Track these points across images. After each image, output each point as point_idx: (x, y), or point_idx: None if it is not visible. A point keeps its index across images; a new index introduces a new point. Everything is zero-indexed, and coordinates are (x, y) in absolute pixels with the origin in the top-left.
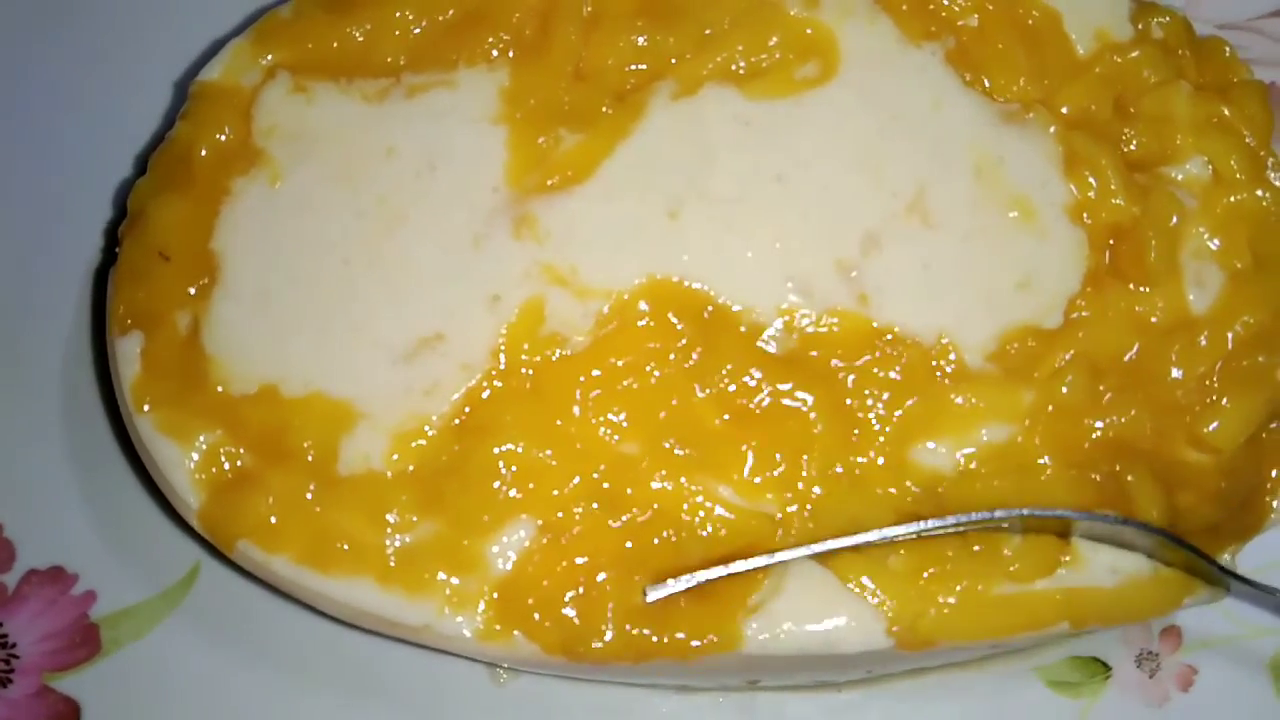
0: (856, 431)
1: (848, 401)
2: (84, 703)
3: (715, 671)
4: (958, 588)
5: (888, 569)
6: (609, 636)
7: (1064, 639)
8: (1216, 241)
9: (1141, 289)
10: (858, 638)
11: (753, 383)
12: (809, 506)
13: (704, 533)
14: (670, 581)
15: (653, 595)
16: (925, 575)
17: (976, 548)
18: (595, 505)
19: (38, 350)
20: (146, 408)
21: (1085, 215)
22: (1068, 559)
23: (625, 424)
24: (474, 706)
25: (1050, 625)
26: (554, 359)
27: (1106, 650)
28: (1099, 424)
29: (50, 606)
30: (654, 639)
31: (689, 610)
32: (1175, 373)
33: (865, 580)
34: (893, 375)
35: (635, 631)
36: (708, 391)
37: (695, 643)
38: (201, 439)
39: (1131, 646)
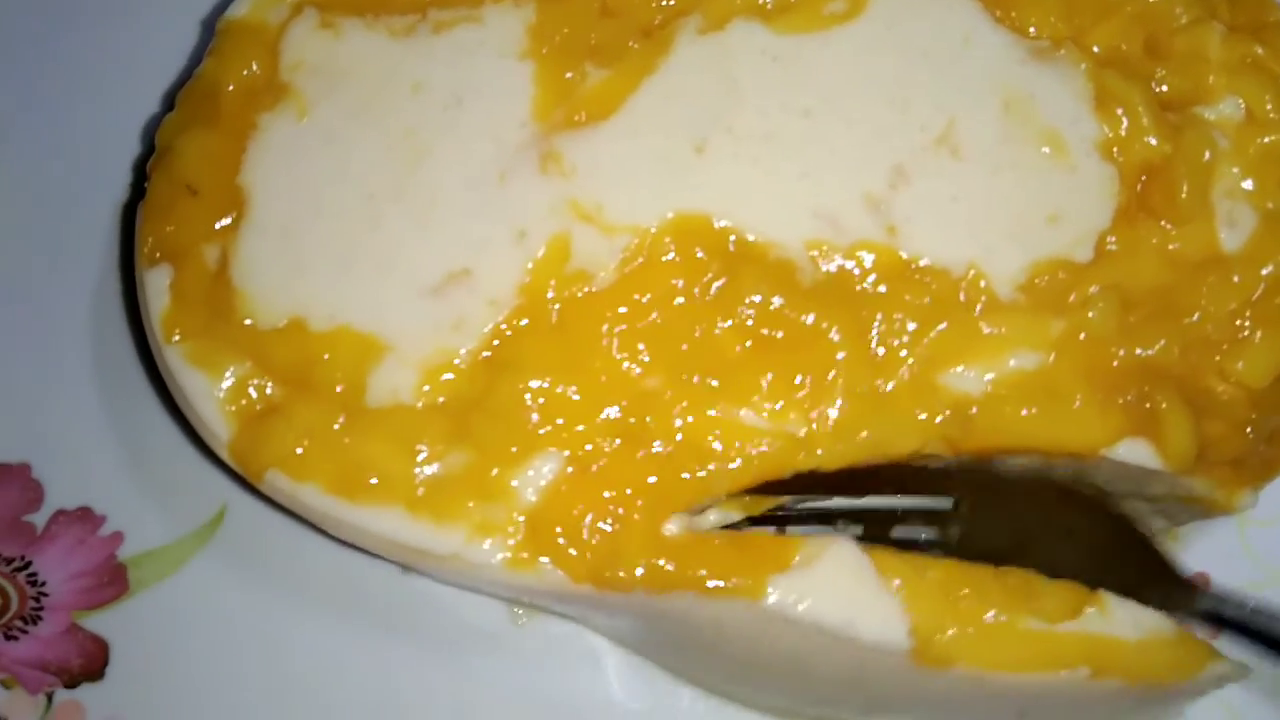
0: (882, 352)
1: (874, 329)
2: (112, 641)
3: (716, 655)
4: (986, 615)
5: (925, 578)
6: (636, 568)
7: None
8: (1249, 182)
9: (1173, 226)
10: (877, 628)
11: (776, 312)
12: (833, 424)
13: (730, 460)
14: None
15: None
16: (959, 594)
17: (1011, 580)
18: (621, 439)
19: (67, 287)
20: (176, 338)
21: (1116, 152)
22: (1095, 607)
23: (650, 358)
24: (494, 644)
25: (1071, 667)
26: (580, 295)
27: None
28: (1127, 352)
29: (79, 546)
30: (678, 571)
31: (720, 550)
32: (1206, 308)
33: (900, 581)
34: (921, 303)
35: (661, 563)
36: (730, 323)
37: (716, 583)
38: (230, 371)
39: None
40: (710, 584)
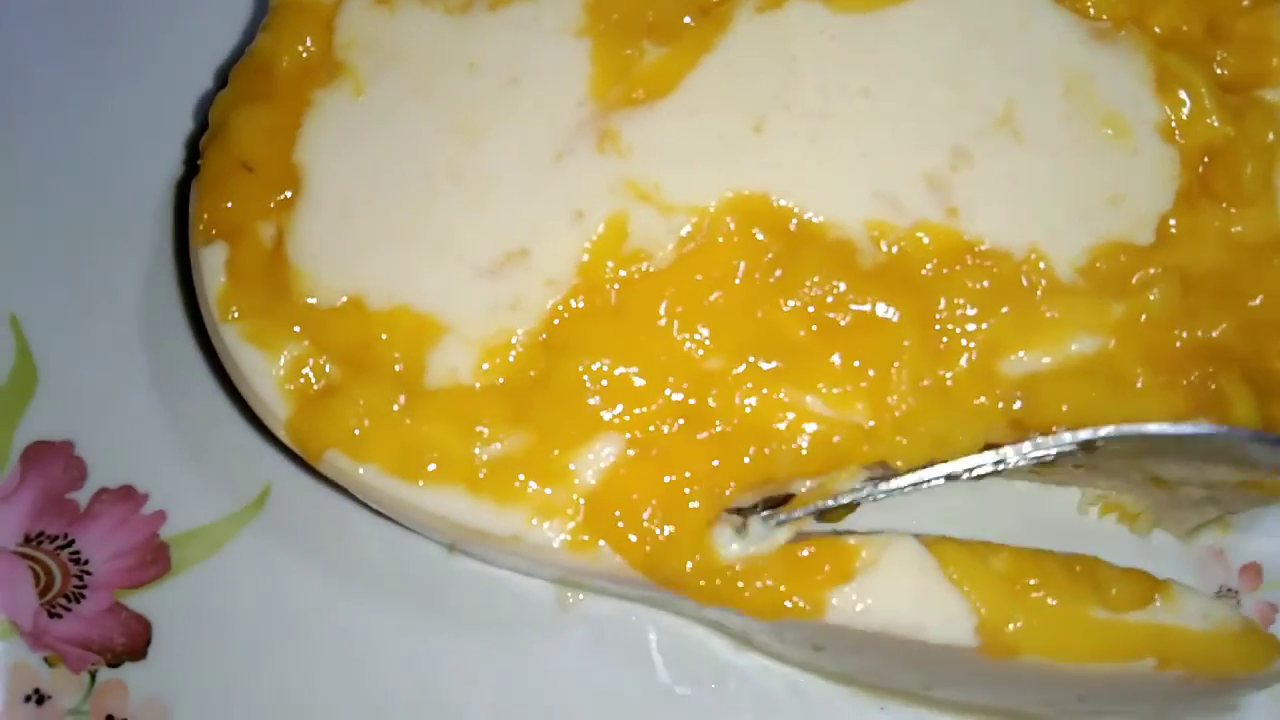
0: (945, 340)
1: (937, 314)
2: (154, 619)
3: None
4: (1053, 602)
5: (989, 568)
6: (695, 580)
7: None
8: None
9: (1235, 209)
10: (943, 629)
11: (839, 296)
12: (899, 416)
13: (793, 445)
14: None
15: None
16: (1026, 584)
17: (1078, 568)
18: (682, 421)
19: (120, 265)
20: (234, 316)
21: (1178, 134)
22: (1162, 597)
23: (710, 339)
24: (540, 626)
25: (1137, 658)
26: (638, 275)
27: None
28: (1189, 334)
29: (121, 525)
30: (732, 594)
31: (777, 570)
32: (1269, 291)
33: (962, 574)
34: (983, 287)
35: (717, 584)
36: (793, 305)
37: (774, 605)
38: (288, 349)
39: (1210, 582)
40: (768, 608)
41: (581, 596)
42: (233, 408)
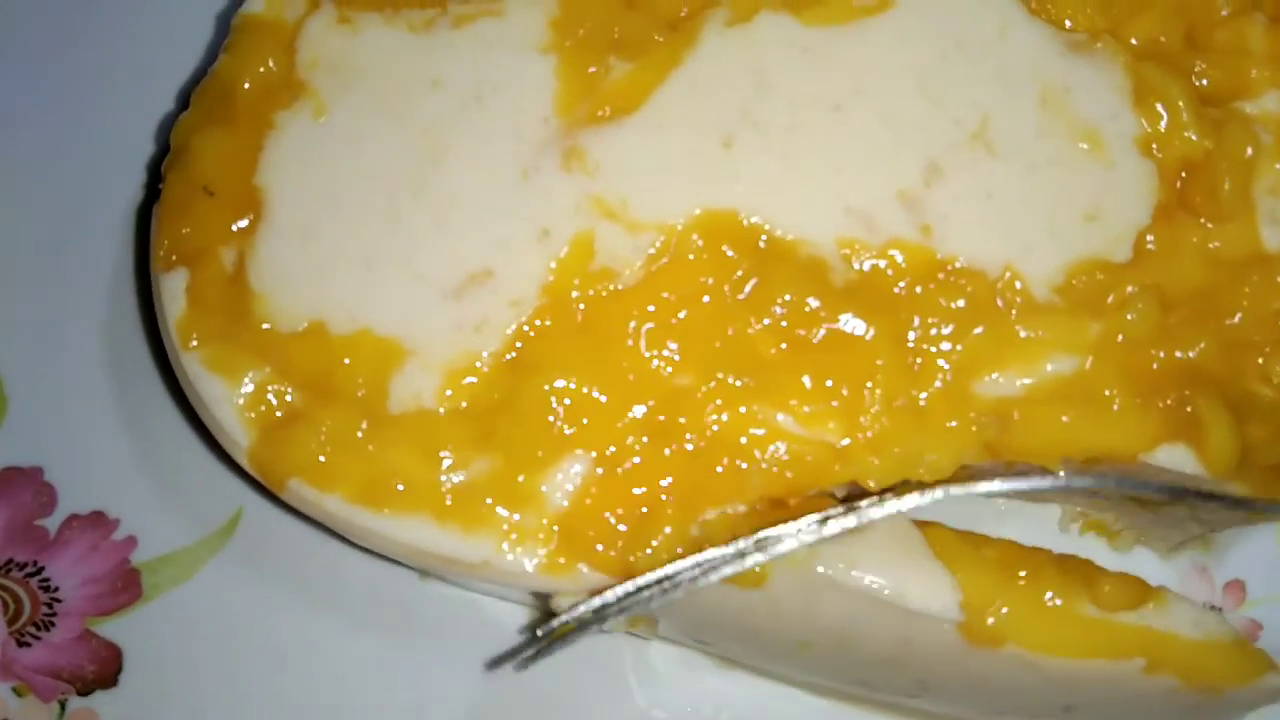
0: (919, 360)
1: (910, 333)
2: (125, 647)
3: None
4: (1044, 595)
5: (981, 554)
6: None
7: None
8: None
9: (1213, 224)
10: (926, 596)
11: (811, 314)
12: (871, 436)
13: (764, 463)
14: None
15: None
16: (1015, 573)
17: (1070, 566)
18: (651, 438)
19: (80, 289)
20: (194, 344)
21: (1155, 148)
22: (1155, 603)
23: (679, 356)
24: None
25: (1126, 657)
26: (605, 294)
27: None
28: (1167, 354)
29: (92, 551)
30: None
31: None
32: (1248, 309)
33: (953, 554)
34: (956, 306)
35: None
36: (764, 323)
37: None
38: (249, 376)
39: (1194, 599)
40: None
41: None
42: (201, 433)
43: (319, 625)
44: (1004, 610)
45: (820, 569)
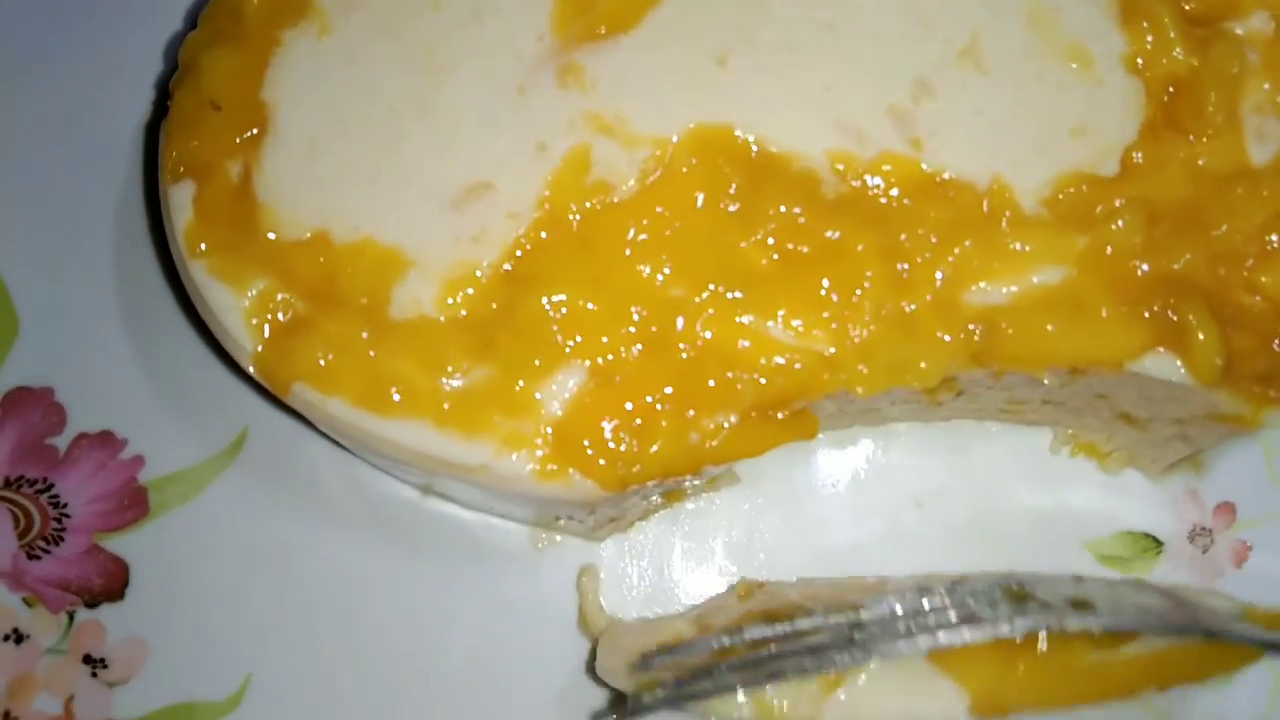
0: (907, 270)
1: (899, 244)
2: (132, 562)
3: None
4: (1043, 672)
5: (973, 653)
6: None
7: None
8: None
9: (1200, 140)
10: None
11: (802, 226)
12: (860, 344)
13: (755, 372)
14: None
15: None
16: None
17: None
18: (645, 348)
19: (90, 209)
20: (201, 249)
21: (1142, 65)
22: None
23: (673, 268)
24: (513, 566)
25: (1135, 693)
26: (601, 207)
27: (1158, 525)
28: (1153, 265)
29: (100, 470)
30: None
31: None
32: (1234, 221)
33: (948, 657)
34: (945, 218)
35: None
36: (755, 235)
37: None
38: (255, 284)
39: (1184, 522)
40: None
41: (558, 539)
42: (210, 352)
43: (322, 542)
44: (1010, 688)
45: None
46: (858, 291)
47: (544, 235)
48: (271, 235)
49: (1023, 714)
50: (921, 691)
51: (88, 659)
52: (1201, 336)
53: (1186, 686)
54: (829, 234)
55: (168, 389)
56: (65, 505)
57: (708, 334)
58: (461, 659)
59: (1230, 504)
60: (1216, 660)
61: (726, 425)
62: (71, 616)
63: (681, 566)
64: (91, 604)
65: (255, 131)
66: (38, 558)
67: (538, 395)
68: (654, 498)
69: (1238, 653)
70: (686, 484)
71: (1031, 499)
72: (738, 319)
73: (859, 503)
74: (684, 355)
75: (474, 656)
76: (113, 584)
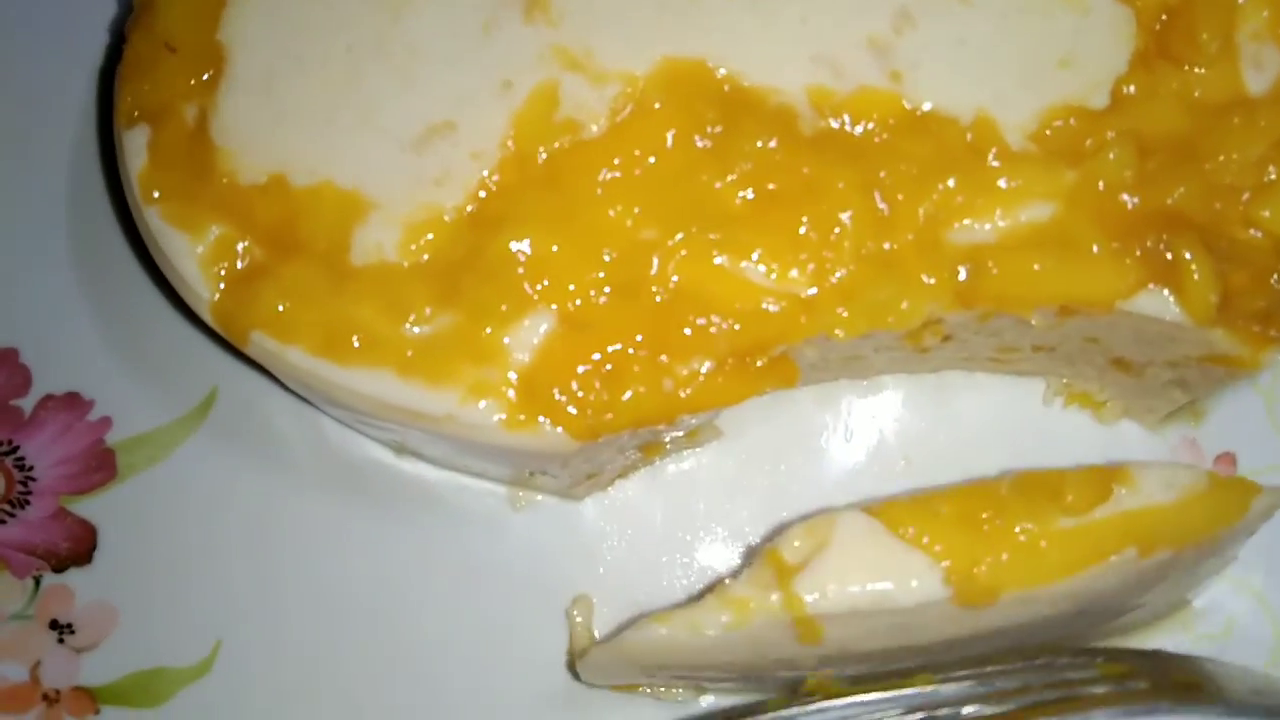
0: (888, 209)
1: (879, 181)
2: (100, 525)
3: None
4: (1015, 529)
5: (939, 517)
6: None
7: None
8: (1278, 23)
9: (1194, 69)
10: (912, 590)
11: (778, 163)
12: (838, 285)
13: (731, 317)
14: None
15: None
16: (980, 520)
17: (1029, 486)
18: (615, 291)
19: (44, 158)
20: (156, 195)
21: None
22: (1123, 484)
23: (644, 209)
24: (491, 527)
25: (1116, 552)
26: (569, 145)
27: None
28: (1144, 200)
29: (66, 431)
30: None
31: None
32: (1229, 153)
33: (916, 529)
34: (927, 153)
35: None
36: (730, 174)
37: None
38: (211, 230)
39: None
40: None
41: (538, 498)
42: (177, 310)
43: (294, 504)
44: (985, 564)
45: (809, 598)
46: (836, 230)
47: (510, 176)
48: (228, 179)
49: (1007, 595)
50: (892, 565)
51: (54, 624)
52: (1196, 272)
53: (1172, 550)
54: (806, 171)
55: (135, 349)
56: (31, 468)
57: (681, 277)
58: (437, 622)
59: (1230, 454)
60: (1197, 518)
61: (702, 372)
62: (38, 581)
63: (664, 524)
64: (59, 568)
65: (211, 73)
66: (3, 522)
67: (505, 341)
68: (630, 452)
69: (1224, 510)
70: (665, 437)
71: (1024, 454)
72: (712, 261)
73: (845, 460)
74: (657, 299)
75: (450, 619)
76: (80, 548)
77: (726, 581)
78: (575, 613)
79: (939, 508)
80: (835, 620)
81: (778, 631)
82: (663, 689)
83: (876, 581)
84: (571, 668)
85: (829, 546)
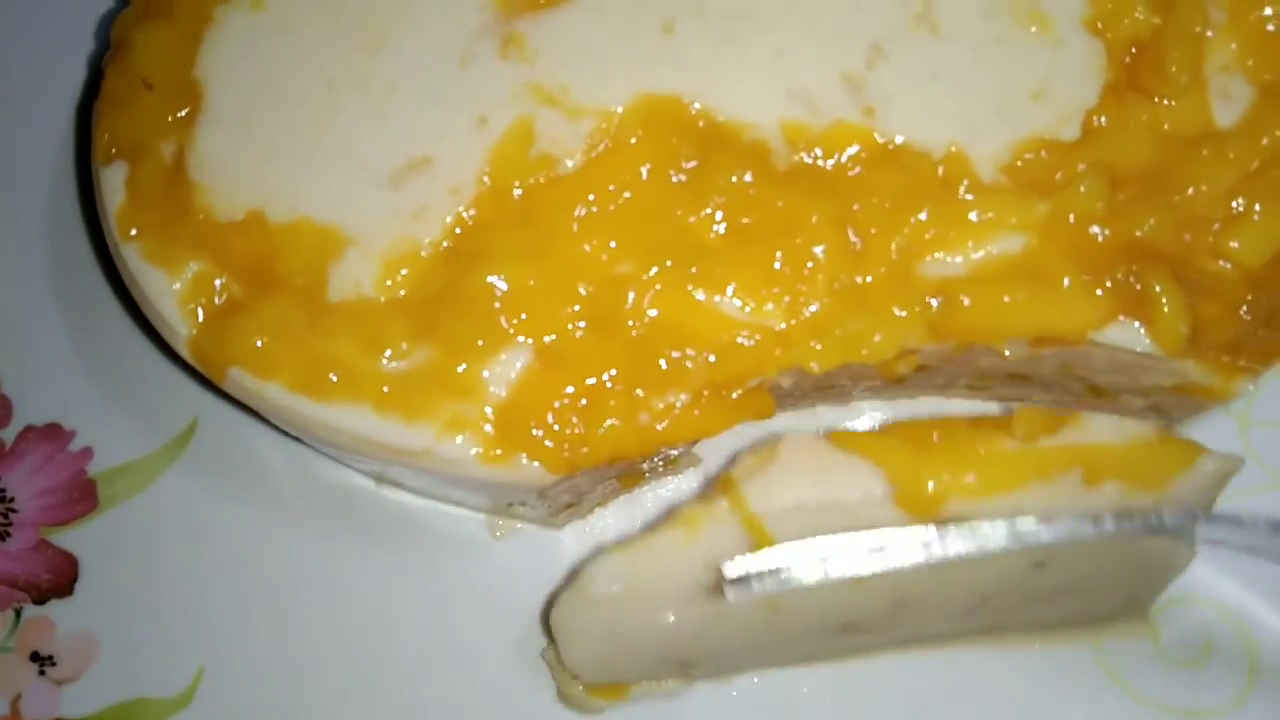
0: (861, 242)
1: (853, 215)
2: (81, 556)
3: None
4: (961, 447)
5: (886, 435)
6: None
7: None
8: (1245, 55)
9: (1164, 101)
10: (856, 483)
11: (752, 198)
12: (812, 319)
13: (705, 350)
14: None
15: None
16: (929, 439)
17: (978, 419)
18: (591, 325)
19: (22, 192)
20: (133, 235)
21: (1103, 26)
22: (1071, 424)
23: (620, 244)
24: (471, 556)
25: (1061, 470)
26: (545, 181)
27: None
28: (1115, 232)
29: (48, 462)
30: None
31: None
32: (1199, 185)
33: (863, 443)
34: (900, 187)
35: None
36: (705, 209)
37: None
38: (189, 266)
39: None
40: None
41: (518, 526)
42: (158, 343)
43: (275, 534)
44: (928, 475)
45: (753, 497)
46: (810, 264)
47: (487, 211)
48: (205, 216)
49: (954, 505)
50: (836, 468)
51: (35, 656)
52: (1166, 304)
53: (1121, 488)
54: (780, 206)
55: (116, 379)
56: (12, 500)
57: (656, 311)
58: (418, 650)
59: None
60: (1143, 462)
61: (678, 405)
62: (18, 613)
63: None
64: (39, 600)
65: (188, 110)
66: None
67: (482, 376)
68: (609, 482)
69: (1171, 459)
70: (644, 467)
71: None
72: (687, 295)
73: None
74: (632, 333)
75: (430, 648)
76: (61, 579)
77: (681, 504)
78: (549, 654)
79: (888, 432)
80: (781, 518)
81: (729, 538)
82: (651, 681)
83: (820, 478)
84: (558, 698)
85: (776, 459)
